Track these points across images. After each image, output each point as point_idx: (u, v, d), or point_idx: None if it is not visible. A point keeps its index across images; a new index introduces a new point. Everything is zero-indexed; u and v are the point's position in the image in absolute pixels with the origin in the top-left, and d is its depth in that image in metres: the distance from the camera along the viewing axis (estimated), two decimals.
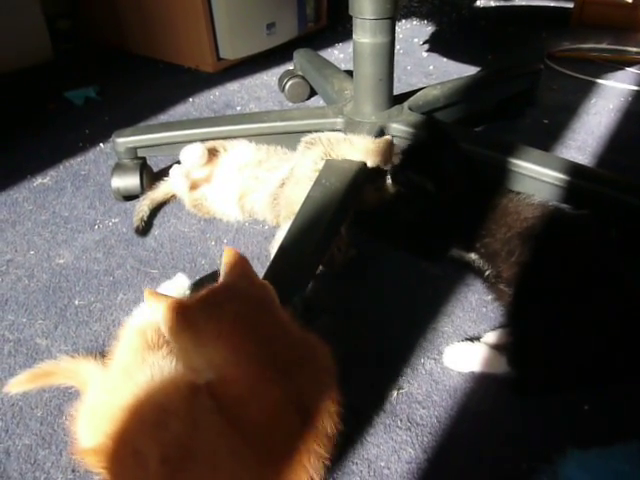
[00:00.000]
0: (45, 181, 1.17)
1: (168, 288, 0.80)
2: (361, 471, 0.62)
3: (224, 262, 0.63)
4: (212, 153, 1.01)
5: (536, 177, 0.88)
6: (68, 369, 0.66)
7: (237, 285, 0.60)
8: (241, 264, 0.62)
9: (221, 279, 0.62)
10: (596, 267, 0.73)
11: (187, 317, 0.55)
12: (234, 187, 1.00)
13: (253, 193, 0.99)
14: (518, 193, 0.85)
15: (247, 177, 0.99)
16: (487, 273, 0.81)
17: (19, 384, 0.67)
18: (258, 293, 0.60)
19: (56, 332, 0.80)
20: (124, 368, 0.58)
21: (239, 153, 1.02)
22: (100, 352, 0.74)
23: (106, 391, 0.58)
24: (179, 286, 0.80)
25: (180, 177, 1.01)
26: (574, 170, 0.87)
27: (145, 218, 1.02)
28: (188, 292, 0.80)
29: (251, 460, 0.50)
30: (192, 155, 0.99)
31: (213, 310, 0.56)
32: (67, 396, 0.70)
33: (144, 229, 1.01)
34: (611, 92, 1.50)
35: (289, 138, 1.05)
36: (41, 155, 1.26)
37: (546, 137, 1.27)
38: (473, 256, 0.84)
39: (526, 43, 1.92)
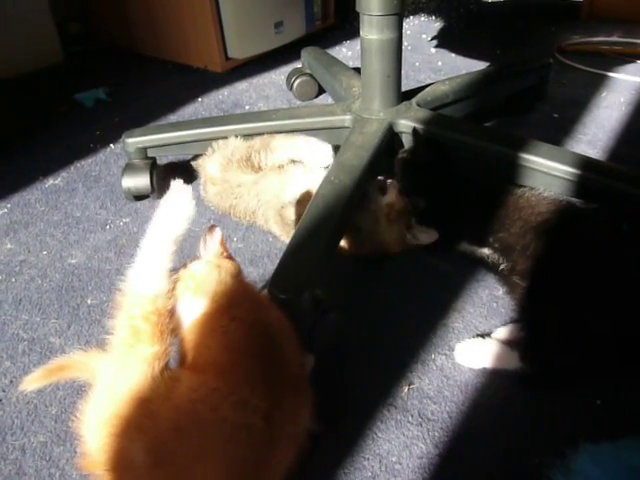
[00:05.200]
0: (57, 182, 1.19)
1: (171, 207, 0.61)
2: (372, 466, 0.62)
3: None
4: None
5: (547, 172, 0.87)
6: (81, 362, 0.66)
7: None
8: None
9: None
10: (608, 261, 0.73)
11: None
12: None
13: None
14: (526, 188, 0.85)
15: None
16: (501, 267, 0.81)
17: (34, 381, 0.67)
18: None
19: (69, 331, 0.81)
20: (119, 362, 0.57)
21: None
22: None
23: (105, 387, 0.57)
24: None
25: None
26: (585, 164, 0.86)
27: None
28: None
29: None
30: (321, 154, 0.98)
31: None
32: (81, 393, 0.70)
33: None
34: (622, 85, 1.48)
35: None
36: (52, 156, 1.28)
37: (556, 131, 1.26)
38: (486, 251, 0.83)
39: (535, 37, 1.90)
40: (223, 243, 0.66)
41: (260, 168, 0.98)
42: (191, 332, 0.58)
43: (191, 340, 0.58)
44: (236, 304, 0.60)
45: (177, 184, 0.60)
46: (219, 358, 0.55)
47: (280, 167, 0.96)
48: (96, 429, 0.54)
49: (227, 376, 0.53)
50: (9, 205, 1.11)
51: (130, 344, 0.56)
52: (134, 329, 0.56)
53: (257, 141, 1.01)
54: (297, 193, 0.91)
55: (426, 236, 0.87)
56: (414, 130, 0.97)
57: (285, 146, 0.99)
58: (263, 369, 0.55)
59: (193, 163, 1.14)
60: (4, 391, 0.72)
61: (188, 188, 0.60)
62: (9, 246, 1.00)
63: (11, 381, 0.74)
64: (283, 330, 0.61)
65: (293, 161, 0.98)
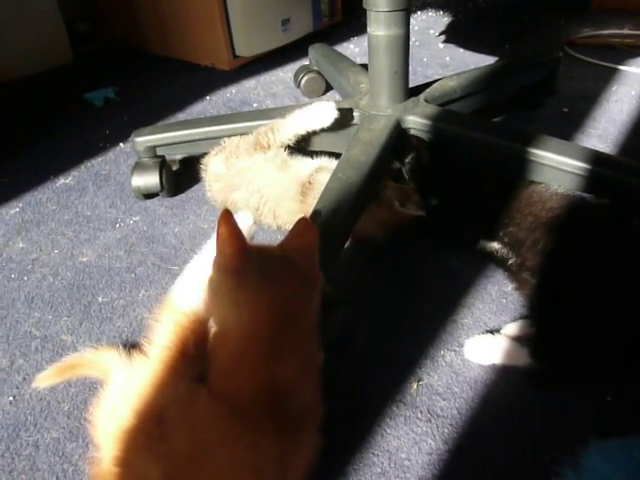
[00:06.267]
0: (67, 181, 1.20)
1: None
2: (382, 462, 0.62)
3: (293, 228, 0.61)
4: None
5: (557, 167, 0.86)
6: (92, 360, 0.67)
7: (295, 263, 0.57)
8: (310, 241, 0.59)
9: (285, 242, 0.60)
10: (619, 257, 0.72)
11: (243, 256, 0.54)
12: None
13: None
14: (538, 184, 0.85)
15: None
16: (510, 262, 0.81)
17: (46, 378, 0.68)
18: (306, 285, 0.57)
19: (81, 328, 0.82)
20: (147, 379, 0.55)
21: None
22: (124, 346, 0.75)
23: (123, 395, 0.56)
24: (243, 222, 0.65)
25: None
26: (595, 158, 0.86)
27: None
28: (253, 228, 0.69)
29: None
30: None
31: (264, 271, 0.54)
32: (93, 390, 0.71)
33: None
34: (633, 78, 1.47)
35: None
36: (63, 156, 1.29)
37: (566, 126, 1.25)
38: (496, 245, 0.83)
39: (545, 31, 1.89)
40: (233, 237, 0.54)
41: (270, 147, 0.98)
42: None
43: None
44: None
45: (244, 213, 0.62)
46: (229, 393, 0.52)
47: (283, 162, 0.96)
48: (109, 439, 0.53)
49: (239, 417, 0.50)
50: (21, 204, 1.13)
51: (174, 365, 0.54)
52: (182, 351, 0.55)
53: (261, 127, 1.01)
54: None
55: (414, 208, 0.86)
56: (412, 137, 0.97)
57: (287, 123, 0.99)
58: (274, 415, 0.51)
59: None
60: (17, 388, 0.73)
61: (250, 216, 0.63)
62: (21, 245, 1.01)
63: (24, 378, 0.75)
64: (299, 358, 0.56)
65: (296, 143, 0.99)
